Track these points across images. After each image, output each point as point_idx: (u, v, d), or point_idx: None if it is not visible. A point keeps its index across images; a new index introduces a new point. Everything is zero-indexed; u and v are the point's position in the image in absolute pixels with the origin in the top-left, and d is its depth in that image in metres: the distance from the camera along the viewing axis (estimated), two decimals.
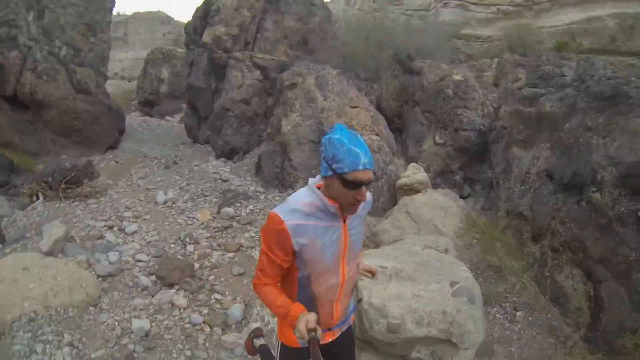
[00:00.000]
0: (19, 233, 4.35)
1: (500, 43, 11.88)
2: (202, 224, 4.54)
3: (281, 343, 1.81)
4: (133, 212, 4.97)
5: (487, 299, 3.07)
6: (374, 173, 1.59)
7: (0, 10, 8.75)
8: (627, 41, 12.77)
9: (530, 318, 3.14)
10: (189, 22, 9.83)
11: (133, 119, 14.67)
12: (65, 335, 2.65)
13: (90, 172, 7.06)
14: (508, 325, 3.12)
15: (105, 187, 6.40)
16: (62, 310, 2.79)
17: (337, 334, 1.86)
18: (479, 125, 6.16)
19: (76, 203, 5.53)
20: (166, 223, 4.65)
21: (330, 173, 1.48)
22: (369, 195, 1.72)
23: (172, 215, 4.91)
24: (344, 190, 1.48)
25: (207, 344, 2.92)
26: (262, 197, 5.42)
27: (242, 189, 5.71)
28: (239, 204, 4.97)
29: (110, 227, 4.53)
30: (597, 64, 4.74)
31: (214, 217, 4.67)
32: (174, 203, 5.29)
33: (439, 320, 2.25)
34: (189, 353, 2.81)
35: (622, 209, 3.09)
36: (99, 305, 3.04)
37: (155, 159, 8.59)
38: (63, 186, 6.02)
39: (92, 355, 2.62)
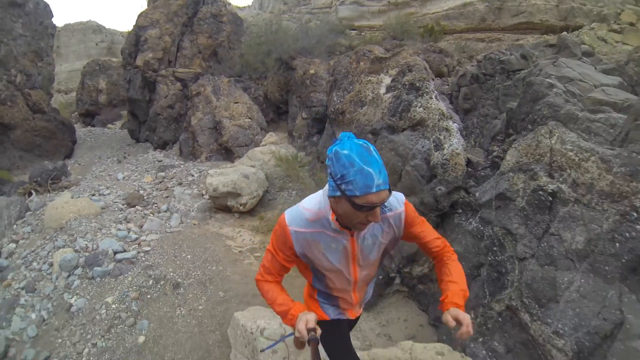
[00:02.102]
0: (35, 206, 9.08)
1: (385, 32, 16.98)
2: (148, 182, 9.38)
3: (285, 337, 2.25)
4: (104, 186, 9.66)
5: (281, 187, 8.00)
6: (390, 191, 1.55)
7: None
8: (495, 20, 18.08)
9: (300, 193, 8.06)
10: (124, 47, 14.52)
11: (78, 130, 18.74)
12: (90, 225, 7.43)
13: (65, 171, 11.53)
14: (288, 196, 7.99)
15: (77, 180, 10.89)
16: (85, 217, 7.53)
17: (359, 311, 2.28)
18: (325, 103, 11.15)
19: (62, 192, 10.23)
20: (126, 186, 9.38)
21: (338, 194, 1.55)
22: (398, 210, 1.83)
23: (129, 183, 9.65)
24: (354, 212, 1.55)
25: (151, 218, 7.76)
26: (181, 166, 10.26)
27: (169, 162, 10.59)
28: (167, 170, 9.83)
29: (93, 195, 9.26)
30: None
31: (154, 179, 9.52)
32: (129, 177, 10.06)
33: (231, 186, 7.15)
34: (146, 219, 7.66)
35: None
36: (101, 215, 7.83)
37: (109, 158, 13.20)
38: (50, 182, 10.70)
39: (108, 230, 7.42)
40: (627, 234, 2.68)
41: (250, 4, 27.23)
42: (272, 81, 12.28)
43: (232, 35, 14.72)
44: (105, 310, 4.46)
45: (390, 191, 1.56)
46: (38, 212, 7.52)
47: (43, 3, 16.00)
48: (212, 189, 6.92)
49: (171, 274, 4.93)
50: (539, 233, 3.19)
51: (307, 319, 1.72)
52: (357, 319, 2.33)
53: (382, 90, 5.43)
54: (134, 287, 4.69)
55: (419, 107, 4.67)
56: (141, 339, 4.18)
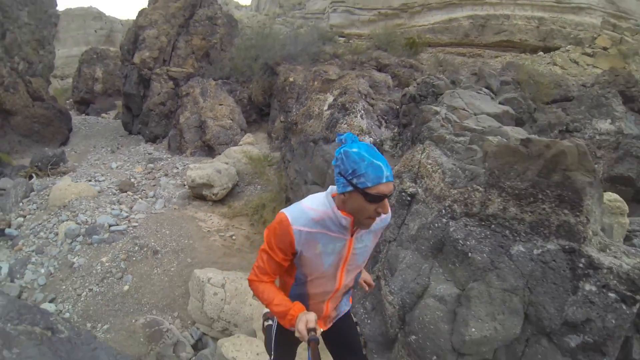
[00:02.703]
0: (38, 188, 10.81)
1: (370, 41, 18.72)
2: (138, 172, 11.10)
3: (278, 323, 2.31)
4: (100, 173, 11.35)
5: (249, 182, 9.71)
6: (394, 184, 1.90)
7: None
8: (478, 36, 19.79)
9: (263, 187, 9.75)
10: (123, 43, 16.27)
11: (73, 117, 20.15)
12: (89, 204, 9.14)
13: (64, 158, 13.22)
14: (254, 190, 9.71)
15: (74, 167, 12.57)
16: (84, 198, 9.24)
17: (329, 325, 2.42)
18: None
19: (60, 177, 11.95)
20: (119, 174, 11.08)
21: (350, 188, 1.77)
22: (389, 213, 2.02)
23: (122, 171, 11.35)
24: (366, 205, 1.77)
25: (139, 202, 9.47)
26: (169, 159, 11.99)
27: (158, 155, 12.34)
28: (156, 162, 11.58)
29: (89, 180, 10.97)
30: None
31: (144, 169, 11.25)
32: (122, 167, 11.78)
33: (206, 178, 8.82)
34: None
35: None
36: (97, 197, 9.54)
37: (103, 147, 14.90)
38: (49, 167, 12.40)
39: (104, 209, 9.13)
40: (437, 225, 4.37)
41: (249, 3, 29.09)
42: (257, 85, 13.99)
43: (225, 37, 16.43)
44: (100, 267, 6.21)
45: (394, 185, 1.77)
46: (42, 193, 9.24)
47: None
48: (190, 180, 8.65)
49: (152, 243, 6.65)
50: (399, 223, 4.90)
51: (307, 319, 1.85)
52: (328, 336, 2.49)
53: (325, 107, 7.17)
54: (123, 251, 6.41)
55: (344, 124, 6.41)
56: (125, 287, 5.91)
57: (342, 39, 19.56)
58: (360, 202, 1.77)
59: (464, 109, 5.95)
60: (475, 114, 5.91)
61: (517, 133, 5.01)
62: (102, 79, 24.27)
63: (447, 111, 5.78)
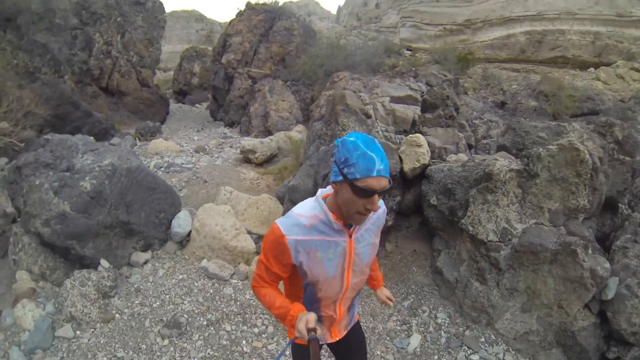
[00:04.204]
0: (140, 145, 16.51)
1: (430, 56, 22.87)
2: (212, 144, 16.51)
3: (293, 341, 2.43)
4: (184, 141, 16.83)
5: (285, 155, 14.63)
6: (390, 181, 1.90)
7: (103, 34, 20.50)
8: (535, 52, 22.02)
9: (291, 159, 14.63)
10: (215, 46, 22.23)
11: (171, 104, 26.29)
12: (172, 154, 14.57)
13: (160, 130, 19.00)
14: (285, 159, 14.59)
15: (167, 137, 18.42)
16: (170, 150, 14.61)
17: (343, 333, 2.63)
18: None
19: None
20: (198, 143, 16.54)
21: (340, 178, 1.90)
22: (382, 205, 2.30)
23: (200, 142, 16.86)
24: (354, 198, 1.88)
25: (205, 157, 14.74)
26: (237, 137, 17.18)
27: (230, 135, 17.68)
28: (227, 139, 16.96)
29: (181, 147, 16.54)
30: None
31: (216, 142, 16.66)
32: (201, 139, 17.24)
33: (251, 146, 13.91)
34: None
35: None
36: (179, 152, 14.95)
37: (191, 128, 20.47)
38: (149, 135, 18.29)
39: (181, 157, 14.52)
40: None
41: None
42: (318, 88, 18.97)
43: (300, 45, 21.59)
44: (169, 184, 11.37)
45: (390, 182, 1.90)
46: (142, 147, 14.82)
47: (158, 2, 23.79)
48: (241, 147, 13.75)
49: (205, 176, 11.51)
50: None
51: (307, 319, 2.00)
52: (340, 345, 2.71)
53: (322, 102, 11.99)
54: (185, 177, 11.28)
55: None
56: (182, 194, 11.01)
57: (408, 52, 23.87)
58: (349, 194, 1.90)
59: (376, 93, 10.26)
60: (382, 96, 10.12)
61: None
62: (199, 74, 30.47)
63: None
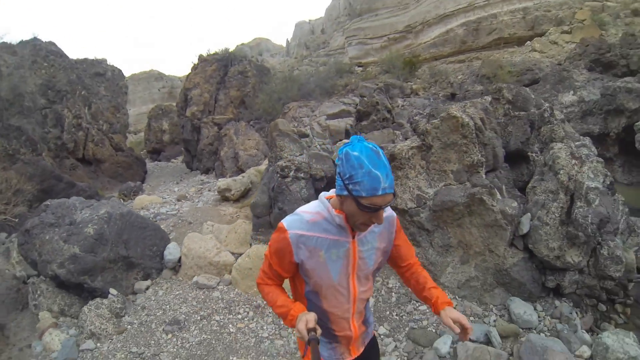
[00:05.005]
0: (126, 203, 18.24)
1: (380, 67, 24.70)
2: (192, 192, 18.23)
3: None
4: (166, 193, 18.54)
5: (257, 189, 16.42)
6: (394, 194, 1.98)
7: (71, 109, 22.32)
8: (475, 40, 23.84)
9: None
10: (177, 102, 24.20)
11: (148, 164, 28.12)
12: (157, 205, 16.28)
13: (141, 188, 20.65)
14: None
15: (150, 194, 20.02)
16: (155, 202, 16.37)
17: (361, 349, 2.64)
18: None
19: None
20: (179, 194, 18.24)
21: (345, 193, 1.98)
22: (390, 212, 2.37)
23: (181, 192, 18.57)
24: (359, 212, 1.99)
25: (187, 203, 16.45)
26: (214, 182, 18.96)
27: (207, 180, 19.42)
28: (204, 184, 18.73)
29: (163, 199, 18.25)
30: None
31: (197, 189, 18.36)
32: (181, 189, 18.95)
33: (226, 185, 15.69)
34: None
35: None
36: (163, 203, 16.69)
37: (170, 182, 22.27)
38: (132, 194, 19.99)
39: (165, 207, 16.23)
40: None
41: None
42: None
43: (256, 85, 23.52)
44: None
45: (395, 195, 1.98)
46: (128, 205, 16.39)
47: (117, 70, 26.03)
48: (217, 187, 15.48)
49: (189, 218, 13.24)
50: None
51: (307, 319, 2.05)
52: None
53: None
54: (172, 222, 13.03)
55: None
56: (171, 236, 12.70)
57: (359, 69, 25.80)
58: (354, 208, 1.99)
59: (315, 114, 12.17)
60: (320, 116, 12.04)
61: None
62: (168, 130, 32.43)
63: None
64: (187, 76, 23.51)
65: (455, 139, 6.51)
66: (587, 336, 5.48)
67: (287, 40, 38.07)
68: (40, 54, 21.17)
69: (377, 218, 2.01)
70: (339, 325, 2.46)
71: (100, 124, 23.78)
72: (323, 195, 2.29)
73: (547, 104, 7.95)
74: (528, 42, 21.66)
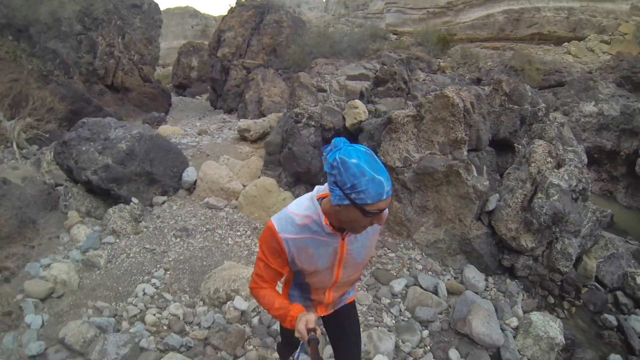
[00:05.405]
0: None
1: (413, 38, 25.41)
2: (212, 128, 19.48)
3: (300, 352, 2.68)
4: (189, 127, 19.84)
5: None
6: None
7: (106, 37, 23.37)
8: (513, 30, 24.07)
9: None
10: (210, 42, 25.20)
11: (173, 97, 29.11)
12: (178, 136, 17.57)
13: (164, 119, 21.96)
14: None
15: (172, 125, 21.46)
16: (176, 133, 17.64)
17: (330, 311, 2.86)
18: None
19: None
20: (201, 128, 19.48)
21: (346, 202, 1.96)
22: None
23: (202, 127, 19.81)
24: (362, 218, 1.99)
25: (207, 138, 17.69)
26: (235, 122, 20.19)
27: (229, 120, 20.69)
28: (226, 123, 19.95)
29: (185, 131, 19.50)
30: None
31: (218, 127, 19.61)
32: (203, 125, 20.23)
33: (246, 126, 16.91)
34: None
35: None
36: (184, 135, 17.96)
37: (193, 117, 23.46)
38: (155, 124, 21.23)
39: (186, 138, 17.50)
40: None
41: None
42: None
43: (290, 36, 24.30)
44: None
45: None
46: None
47: (154, 3, 26.81)
48: (238, 127, 16.66)
49: (207, 152, 14.30)
50: None
51: (307, 319, 2.15)
52: (331, 323, 3.01)
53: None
54: (191, 152, 14.22)
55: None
56: (190, 164, 13.97)
57: (394, 36, 26.34)
58: (357, 215, 1.99)
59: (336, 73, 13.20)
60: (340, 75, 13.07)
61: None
62: (197, 67, 33.40)
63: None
64: (223, 18, 24.40)
65: (445, 115, 7.30)
66: (521, 312, 6.17)
67: None
68: None
69: (379, 220, 2.11)
70: (316, 294, 2.73)
71: (132, 54, 24.65)
72: (316, 192, 2.35)
73: (542, 104, 8.72)
74: (565, 43, 21.59)
